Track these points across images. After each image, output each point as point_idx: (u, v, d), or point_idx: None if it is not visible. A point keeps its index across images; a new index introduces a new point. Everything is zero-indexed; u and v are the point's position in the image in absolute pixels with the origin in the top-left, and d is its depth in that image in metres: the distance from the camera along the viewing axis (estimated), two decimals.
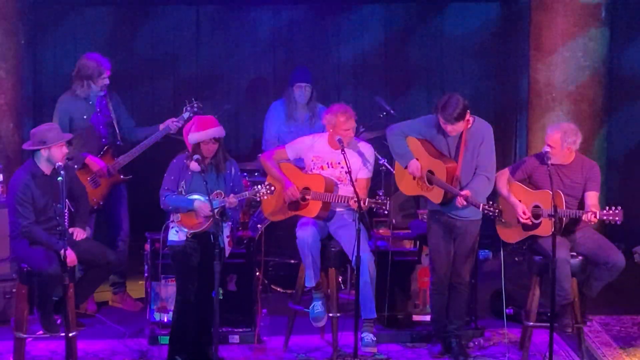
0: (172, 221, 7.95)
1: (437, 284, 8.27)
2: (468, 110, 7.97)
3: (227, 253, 7.96)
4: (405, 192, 8.46)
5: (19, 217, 8.05)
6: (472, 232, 8.19)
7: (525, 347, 8.28)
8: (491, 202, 7.96)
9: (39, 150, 8.10)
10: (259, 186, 8.03)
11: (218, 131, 7.93)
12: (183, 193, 7.91)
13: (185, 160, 7.94)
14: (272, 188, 8.04)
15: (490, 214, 7.92)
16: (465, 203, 7.93)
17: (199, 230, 7.90)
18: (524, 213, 8.18)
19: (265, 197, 8.09)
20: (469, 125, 8.07)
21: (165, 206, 7.94)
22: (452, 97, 7.96)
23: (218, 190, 7.87)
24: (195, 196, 7.85)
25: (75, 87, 9.31)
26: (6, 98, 9.89)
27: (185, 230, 7.91)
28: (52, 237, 8.02)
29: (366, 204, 8.02)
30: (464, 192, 7.93)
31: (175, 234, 7.96)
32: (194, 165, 7.85)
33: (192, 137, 7.89)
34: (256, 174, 9.70)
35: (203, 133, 7.88)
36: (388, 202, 8.03)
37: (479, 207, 7.92)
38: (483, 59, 11.46)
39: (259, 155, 9.02)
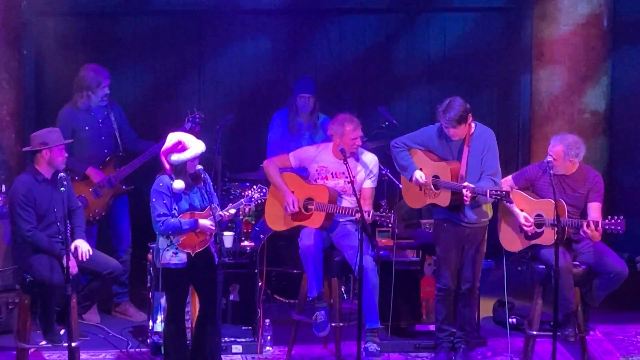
0: (171, 244, 7.77)
1: (444, 292, 8.28)
2: (470, 114, 7.99)
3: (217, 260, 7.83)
4: (413, 206, 8.46)
5: (21, 222, 7.98)
6: (481, 238, 8.21)
7: (528, 357, 8.28)
8: (496, 189, 7.95)
9: (39, 153, 8.06)
10: (251, 191, 8.00)
11: (203, 145, 7.84)
12: (177, 215, 7.77)
13: (170, 182, 7.78)
14: (265, 190, 8.00)
15: (499, 197, 7.91)
16: (470, 195, 7.91)
17: (202, 249, 7.82)
18: (527, 220, 8.18)
19: (260, 201, 8.06)
20: (472, 131, 8.08)
21: (164, 231, 7.73)
22: (454, 100, 7.99)
23: (214, 205, 7.79)
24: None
25: (76, 99, 9.34)
26: (8, 109, 9.88)
27: (187, 252, 7.78)
28: (54, 244, 8.00)
29: (370, 216, 8.01)
30: (465, 184, 7.92)
31: (175, 256, 7.78)
32: (179, 185, 7.74)
33: (180, 157, 7.71)
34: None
35: (193, 150, 7.74)
36: (392, 215, 8.01)
37: (485, 195, 7.90)
38: (484, 66, 11.45)
39: (262, 163, 8.98)
